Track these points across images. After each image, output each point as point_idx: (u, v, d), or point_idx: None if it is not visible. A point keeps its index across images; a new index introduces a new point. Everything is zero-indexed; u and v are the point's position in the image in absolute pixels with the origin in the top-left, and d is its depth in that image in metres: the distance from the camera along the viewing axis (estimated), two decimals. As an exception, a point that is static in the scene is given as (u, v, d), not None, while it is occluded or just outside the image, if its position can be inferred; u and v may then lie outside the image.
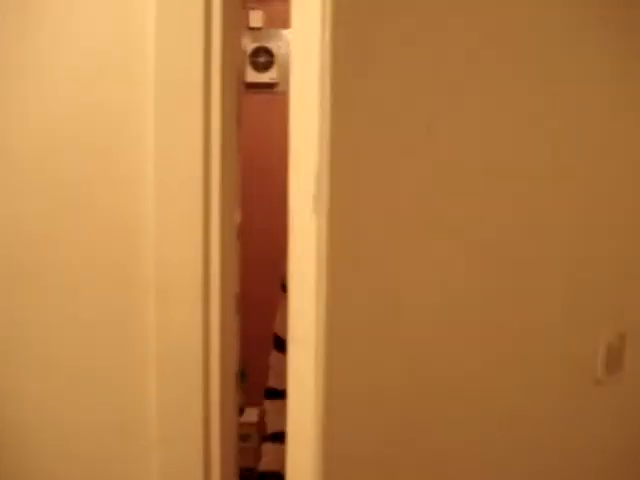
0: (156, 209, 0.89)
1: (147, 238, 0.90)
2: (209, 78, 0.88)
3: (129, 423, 0.93)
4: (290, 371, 0.77)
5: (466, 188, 0.76)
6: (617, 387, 0.91)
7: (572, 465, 0.85)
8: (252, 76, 2.98)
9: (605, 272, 0.86)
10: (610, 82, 0.83)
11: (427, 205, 0.76)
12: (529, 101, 0.76)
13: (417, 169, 0.75)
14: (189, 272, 0.89)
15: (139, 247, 0.90)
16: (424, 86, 0.73)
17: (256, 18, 2.99)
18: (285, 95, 3.03)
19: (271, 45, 2.99)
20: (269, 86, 3.04)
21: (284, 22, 3.03)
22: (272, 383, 1.53)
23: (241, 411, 2.77)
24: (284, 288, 1.49)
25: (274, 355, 1.54)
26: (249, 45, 2.97)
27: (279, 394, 1.50)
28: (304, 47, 0.70)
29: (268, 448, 1.47)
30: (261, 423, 2.99)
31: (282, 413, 1.46)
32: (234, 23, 0.93)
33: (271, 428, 1.50)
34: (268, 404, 1.54)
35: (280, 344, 1.51)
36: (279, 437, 1.45)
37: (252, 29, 3.00)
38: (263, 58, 2.99)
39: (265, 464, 1.44)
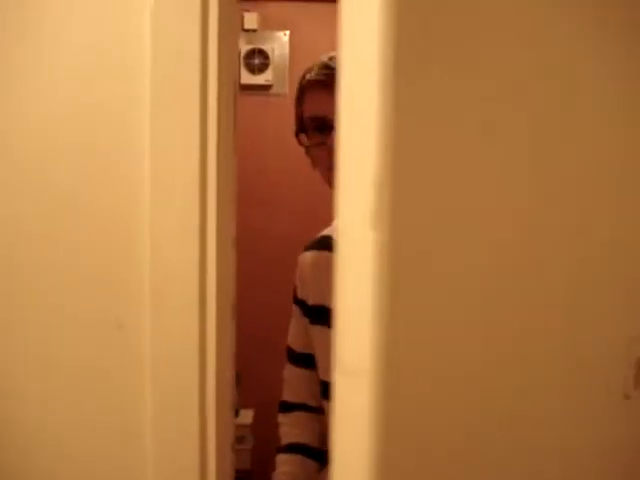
0: (151, 211, 0.89)
1: (143, 240, 0.90)
2: (206, 80, 0.88)
3: (125, 425, 0.93)
4: (338, 407, 0.70)
5: (527, 203, 0.73)
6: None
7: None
8: (246, 78, 2.99)
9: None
10: None
11: (496, 219, 0.72)
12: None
13: (477, 177, 0.71)
14: (185, 274, 0.89)
15: (136, 249, 0.90)
16: (484, 89, 0.70)
17: (251, 20, 3.00)
18: (279, 97, 3.05)
19: (266, 47, 3.00)
20: (264, 88, 3.04)
21: (279, 24, 3.04)
22: (287, 397, 1.50)
23: (236, 413, 2.77)
24: (295, 300, 1.48)
25: (288, 368, 1.51)
26: (243, 47, 2.97)
27: (293, 407, 1.49)
28: (360, 39, 0.65)
29: (284, 458, 1.44)
30: (256, 425, 2.99)
31: (297, 426, 1.45)
32: (231, 24, 0.93)
33: (286, 440, 1.46)
34: (282, 417, 1.50)
35: (294, 357, 1.49)
36: (294, 448, 1.44)
37: (247, 31, 3.01)
38: (258, 60, 3.00)
39: (280, 474, 1.41)
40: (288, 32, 3.03)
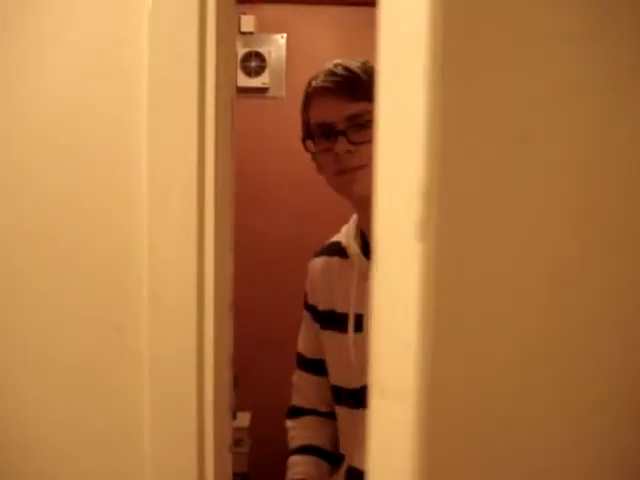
0: (149, 213, 0.89)
1: (141, 242, 0.90)
2: (203, 82, 0.88)
3: (123, 426, 0.93)
4: (375, 431, 0.66)
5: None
6: None
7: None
8: (243, 81, 2.99)
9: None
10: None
11: (542, 230, 0.67)
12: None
13: (522, 186, 0.67)
14: (183, 276, 0.89)
15: (133, 251, 0.90)
16: (523, 96, 0.67)
17: (247, 23, 3.00)
18: (276, 100, 3.05)
19: (262, 50, 3.00)
20: (260, 91, 3.05)
21: (276, 27, 3.04)
22: (297, 402, 1.51)
23: (233, 415, 2.77)
24: (306, 306, 1.49)
25: (298, 374, 1.52)
26: (240, 50, 2.98)
27: (304, 412, 1.49)
28: (404, 43, 0.62)
29: (298, 460, 1.43)
30: (253, 427, 2.99)
31: (309, 428, 1.45)
32: (229, 27, 0.93)
33: (299, 442, 1.46)
34: (292, 422, 1.50)
35: (304, 363, 1.50)
36: (308, 450, 1.43)
37: (243, 33, 3.01)
38: (254, 63, 3.00)
39: (296, 474, 1.40)
40: (285, 35, 3.03)
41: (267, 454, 3.02)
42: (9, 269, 0.92)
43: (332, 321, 1.39)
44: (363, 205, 1.30)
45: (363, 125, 1.23)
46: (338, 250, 1.41)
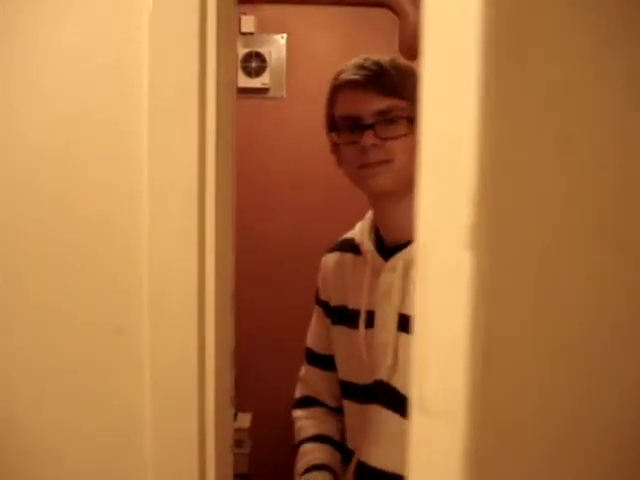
0: (150, 216, 0.88)
1: (142, 245, 0.90)
2: (204, 83, 0.88)
3: (124, 428, 0.93)
4: (416, 448, 0.61)
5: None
6: None
7: None
8: (243, 81, 2.98)
9: None
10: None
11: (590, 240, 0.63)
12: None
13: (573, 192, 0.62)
14: (184, 279, 0.89)
15: (134, 254, 0.90)
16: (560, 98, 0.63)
17: (248, 23, 3.00)
18: (277, 100, 3.05)
19: (263, 50, 3.00)
20: (261, 91, 3.04)
21: (276, 27, 3.04)
22: (305, 393, 1.51)
23: (234, 416, 2.76)
24: (318, 301, 1.50)
25: (306, 369, 1.52)
26: (241, 50, 2.97)
27: (313, 402, 1.49)
28: (456, 37, 0.57)
29: (312, 447, 1.41)
30: (254, 428, 2.99)
31: (319, 419, 1.45)
32: (229, 28, 0.93)
33: (311, 431, 1.44)
34: (300, 411, 1.49)
35: (314, 358, 1.50)
36: (322, 439, 1.42)
37: (244, 34, 3.01)
38: (255, 63, 3.00)
39: (312, 460, 1.38)
40: (285, 35, 3.03)
41: (268, 455, 3.02)
42: (10, 272, 0.92)
43: (343, 317, 1.40)
44: (382, 201, 1.31)
45: (391, 121, 1.24)
46: (351, 247, 1.42)
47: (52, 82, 0.90)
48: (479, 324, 0.57)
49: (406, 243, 1.28)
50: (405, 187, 1.26)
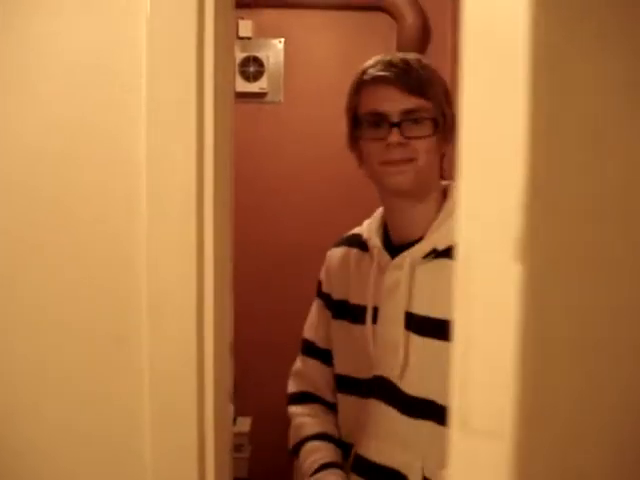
0: (148, 223, 0.88)
1: (140, 252, 0.89)
2: (202, 89, 0.87)
3: (123, 435, 0.93)
4: (458, 469, 0.58)
5: None
6: None
7: None
8: (241, 86, 2.98)
9: None
10: None
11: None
12: None
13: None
14: (182, 287, 0.88)
15: (133, 261, 0.90)
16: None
17: (245, 27, 3.00)
18: (274, 105, 3.05)
19: (261, 55, 3.00)
20: (258, 96, 3.04)
21: (274, 32, 3.04)
22: (302, 388, 1.48)
23: (233, 421, 2.74)
24: (320, 294, 1.49)
25: (304, 361, 1.50)
26: (238, 54, 2.98)
27: (311, 398, 1.47)
28: (504, 32, 0.54)
29: (317, 445, 1.39)
30: (253, 433, 2.98)
31: (319, 416, 1.43)
32: (227, 32, 0.93)
33: (312, 429, 1.42)
34: (298, 407, 1.47)
35: (314, 351, 1.48)
36: (325, 437, 1.40)
37: (241, 38, 3.01)
38: (253, 68, 3.00)
39: (321, 458, 1.36)
40: (283, 40, 3.03)
41: (268, 459, 3.01)
42: (6, 279, 0.91)
43: (344, 311, 1.40)
44: (397, 199, 1.31)
45: (416, 120, 1.25)
46: (358, 242, 1.42)
47: (49, 86, 0.90)
48: (529, 338, 0.54)
49: (414, 242, 1.29)
50: (423, 187, 1.28)
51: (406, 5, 2.90)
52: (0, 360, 0.92)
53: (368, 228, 1.41)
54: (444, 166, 1.35)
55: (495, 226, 0.55)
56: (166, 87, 0.87)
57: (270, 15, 3.04)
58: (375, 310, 1.33)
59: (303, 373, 1.50)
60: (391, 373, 1.28)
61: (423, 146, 1.25)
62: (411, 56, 1.31)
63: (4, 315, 0.92)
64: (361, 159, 1.34)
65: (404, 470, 1.25)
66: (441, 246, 1.26)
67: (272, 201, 3.09)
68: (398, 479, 1.25)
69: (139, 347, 0.90)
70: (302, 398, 1.48)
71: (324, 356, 1.46)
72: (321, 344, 1.47)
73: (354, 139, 1.34)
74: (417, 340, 1.25)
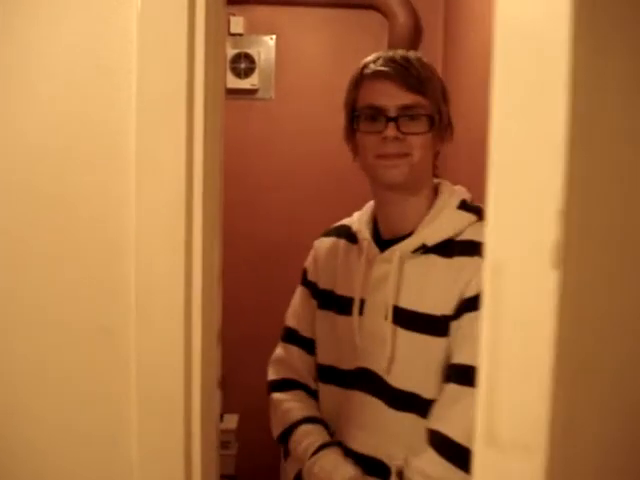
0: (137, 216, 0.88)
1: (129, 246, 0.89)
2: (192, 85, 0.87)
3: (110, 429, 0.93)
4: None
5: None
6: None
7: None
8: (232, 82, 2.98)
9: None
10: None
11: None
12: None
13: None
14: (171, 280, 0.88)
15: (121, 255, 0.90)
16: None
17: (237, 24, 3.00)
18: (265, 102, 3.05)
19: (252, 51, 2.99)
20: (250, 92, 3.04)
21: (265, 28, 3.04)
22: (285, 375, 1.48)
23: (220, 418, 2.74)
24: (305, 282, 1.50)
25: (286, 348, 1.49)
26: (229, 51, 2.97)
27: (295, 385, 1.46)
28: (544, 32, 0.52)
29: (310, 428, 1.38)
30: (240, 430, 2.98)
31: (305, 402, 1.43)
32: (218, 29, 0.93)
33: (300, 413, 1.41)
34: (283, 394, 1.45)
35: (297, 339, 1.48)
36: (315, 420, 1.40)
37: (233, 35, 3.01)
38: (244, 64, 2.99)
39: (318, 440, 1.35)
40: (274, 36, 3.03)
41: (255, 456, 3.01)
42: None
43: (330, 302, 1.41)
44: (389, 192, 1.33)
45: (413, 117, 1.27)
46: (347, 234, 1.44)
47: (38, 83, 0.90)
48: (565, 348, 0.52)
49: (404, 236, 1.31)
50: (416, 182, 1.30)
51: (398, 4, 2.90)
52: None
53: (358, 220, 1.43)
54: (437, 164, 1.37)
55: (530, 233, 0.52)
56: (156, 83, 0.87)
57: (262, 12, 3.04)
58: (361, 302, 1.34)
59: (284, 360, 1.49)
60: (378, 366, 1.29)
61: (418, 142, 1.27)
62: (412, 54, 1.33)
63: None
64: (356, 152, 1.36)
65: (388, 461, 1.26)
66: (430, 242, 1.28)
67: (262, 197, 3.08)
68: (381, 469, 1.27)
69: (126, 340, 0.90)
70: (285, 385, 1.47)
71: (307, 344, 1.47)
72: (304, 332, 1.47)
73: (351, 132, 1.35)
74: (404, 334, 1.27)
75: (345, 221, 1.49)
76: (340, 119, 1.38)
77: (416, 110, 1.27)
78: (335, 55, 2.94)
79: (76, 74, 0.89)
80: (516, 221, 0.53)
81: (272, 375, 1.50)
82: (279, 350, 1.51)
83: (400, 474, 1.23)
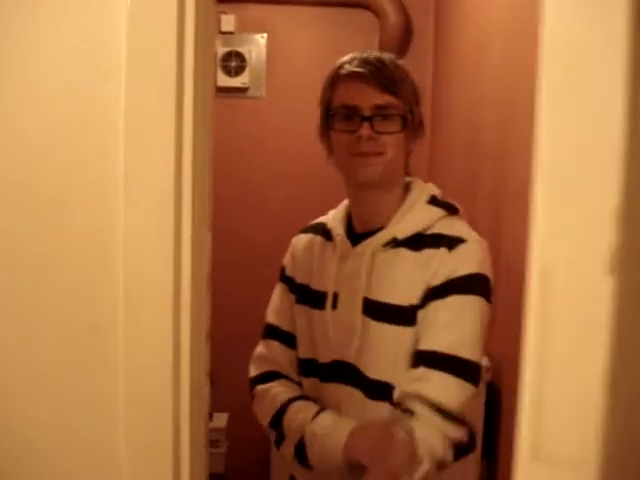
0: (125, 214, 0.88)
1: (117, 243, 0.89)
2: (182, 82, 0.87)
3: (98, 427, 0.92)
4: None
5: None
6: None
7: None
8: (223, 80, 2.98)
9: None
10: None
11: None
12: None
13: None
14: (159, 278, 0.88)
15: (110, 252, 0.90)
16: None
17: (228, 22, 2.99)
18: (256, 100, 3.04)
19: (243, 50, 2.99)
20: (240, 91, 3.04)
21: (256, 27, 3.04)
22: (268, 368, 1.48)
23: (210, 416, 2.74)
24: (283, 278, 1.52)
25: (268, 345, 1.50)
26: (220, 49, 2.97)
27: (279, 376, 1.47)
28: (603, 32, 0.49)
29: (301, 405, 1.39)
30: (230, 428, 2.98)
31: (291, 386, 1.44)
32: (208, 27, 0.93)
33: (289, 395, 1.42)
34: (269, 384, 1.46)
35: (278, 334, 1.49)
36: (305, 398, 1.41)
37: (224, 33, 3.00)
38: (235, 63, 2.99)
39: (312, 410, 1.36)
40: (265, 35, 3.03)
41: (244, 455, 3.01)
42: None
43: (306, 296, 1.45)
44: (363, 189, 1.37)
45: (386, 116, 1.31)
46: (323, 231, 1.47)
47: (27, 80, 0.89)
48: (620, 359, 0.49)
49: (375, 231, 1.36)
50: (388, 180, 1.34)
51: (389, 3, 2.91)
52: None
53: (333, 218, 1.47)
54: (409, 162, 1.42)
55: (583, 236, 0.49)
56: (146, 81, 0.87)
57: (253, 10, 3.04)
58: (335, 296, 1.37)
59: (265, 356, 1.50)
60: (352, 358, 1.33)
61: (391, 141, 1.31)
62: (386, 56, 1.37)
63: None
64: (330, 150, 1.40)
65: None
66: (401, 235, 1.33)
67: (252, 195, 3.08)
68: None
69: (115, 338, 0.90)
70: (268, 377, 1.48)
71: (288, 339, 1.48)
72: (284, 327, 1.49)
73: (325, 130, 1.39)
74: (374, 325, 1.31)
75: (321, 219, 1.53)
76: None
77: (389, 110, 1.31)
78: (326, 54, 2.94)
79: (63, 71, 0.89)
80: (567, 222, 0.50)
81: (254, 372, 1.51)
82: (260, 347, 1.53)
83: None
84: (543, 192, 0.51)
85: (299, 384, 1.47)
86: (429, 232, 1.33)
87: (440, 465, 1.23)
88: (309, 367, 1.44)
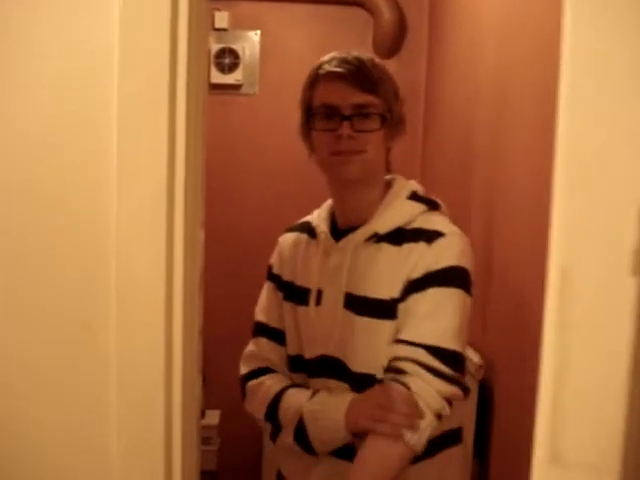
0: (118, 211, 0.88)
1: (110, 240, 0.89)
2: (175, 79, 0.87)
3: (90, 424, 0.92)
4: None
5: None
6: None
7: None
8: (216, 77, 2.98)
9: None
10: None
11: None
12: None
13: None
14: (151, 275, 0.88)
15: (102, 249, 0.89)
16: None
17: (221, 19, 2.99)
18: (249, 97, 3.04)
19: (236, 46, 2.99)
20: (234, 88, 3.04)
21: (250, 23, 3.03)
22: (259, 365, 1.49)
23: (202, 414, 2.74)
24: (271, 276, 1.54)
25: (258, 342, 1.51)
26: (214, 46, 2.96)
27: (272, 371, 1.48)
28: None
29: (294, 391, 1.41)
30: (222, 425, 2.98)
31: (282, 378, 1.45)
32: (201, 23, 0.92)
33: (282, 385, 1.43)
34: (261, 378, 1.47)
35: (267, 332, 1.50)
36: (296, 386, 1.43)
37: (217, 30, 3.00)
38: (228, 59, 2.99)
39: (308, 392, 1.38)
40: (259, 32, 3.02)
41: (236, 452, 3.01)
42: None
43: (291, 293, 1.47)
44: (344, 187, 1.40)
45: (366, 115, 1.33)
46: (308, 229, 1.50)
47: (22, 78, 0.89)
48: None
49: (358, 227, 1.38)
50: (369, 177, 1.37)
51: (383, 0, 2.91)
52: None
53: (317, 216, 1.50)
54: (391, 160, 1.44)
55: (606, 235, 0.48)
56: (138, 77, 0.87)
57: (246, 7, 3.03)
58: (320, 293, 1.40)
59: (255, 353, 1.51)
60: (337, 352, 1.35)
61: (371, 139, 1.34)
62: (365, 56, 1.39)
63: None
64: (312, 149, 1.43)
65: (357, 442, 1.30)
66: (382, 230, 1.35)
67: (245, 192, 3.08)
68: (350, 452, 1.31)
69: (106, 334, 0.90)
70: (259, 373, 1.49)
71: (277, 336, 1.50)
72: (273, 324, 1.51)
73: (306, 129, 1.42)
74: (357, 319, 1.34)
75: (307, 218, 1.55)
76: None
77: (369, 109, 1.33)
78: (320, 51, 2.91)
79: (55, 69, 0.89)
80: (588, 221, 0.49)
81: (244, 369, 1.53)
82: (250, 346, 1.54)
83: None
84: (563, 189, 0.50)
85: (290, 379, 1.48)
86: (410, 227, 1.35)
87: (438, 416, 1.26)
88: (297, 363, 1.46)
